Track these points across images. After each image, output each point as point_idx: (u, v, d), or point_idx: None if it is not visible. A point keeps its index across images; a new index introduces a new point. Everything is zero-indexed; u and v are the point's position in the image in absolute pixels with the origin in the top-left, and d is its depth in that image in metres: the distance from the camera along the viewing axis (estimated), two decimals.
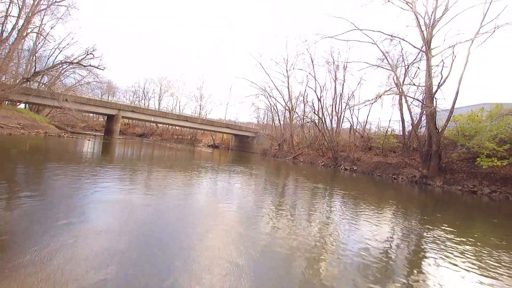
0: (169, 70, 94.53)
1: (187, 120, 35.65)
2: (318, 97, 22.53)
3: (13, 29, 18.88)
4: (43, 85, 23.04)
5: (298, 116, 27.70)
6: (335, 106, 22.12)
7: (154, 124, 51.32)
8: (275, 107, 32.03)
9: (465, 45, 12.34)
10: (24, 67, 23.83)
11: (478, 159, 11.11)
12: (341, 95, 23.34)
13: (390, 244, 3.81)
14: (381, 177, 16.04)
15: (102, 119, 56.88)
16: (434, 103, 12.77)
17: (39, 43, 24.44)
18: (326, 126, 21.45)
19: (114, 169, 7.62)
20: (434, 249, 3.69)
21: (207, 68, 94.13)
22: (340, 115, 22.26)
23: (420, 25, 11.87)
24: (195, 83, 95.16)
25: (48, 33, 22.65)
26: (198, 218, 3.92)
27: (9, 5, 19.08)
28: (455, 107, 12.37)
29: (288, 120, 29.66)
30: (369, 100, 12.19)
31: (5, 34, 18.90)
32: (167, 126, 52.67)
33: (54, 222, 2.91)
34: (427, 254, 3.49)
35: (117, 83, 79.38)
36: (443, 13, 12.54)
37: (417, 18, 11.81)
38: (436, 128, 12.80)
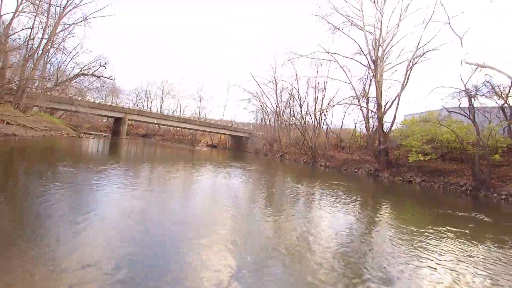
0: (170, 71, 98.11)
1: (186, 122, 38.97)
2: (300, 105, 26.04)
3: (37, 48, 22.21)
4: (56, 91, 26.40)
5: (283, 119, 31.02)
6: (315, 111, 25.48)
7: (156, 125, 54.69)
8: (266, 111, 35.38)
9: (416, 62, 15.57)
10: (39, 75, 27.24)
11: (409, 155, 14.32)
12: (322, 99, 26.71)
13: (345, 210, 7.06)
14: (347, 171, 19.28)
15: (106, 120, 60.45)
16: (382, 110, 16.01)
17: (52, 53, 27.83)
18: (306, 129, 24.73)
19: (143, 161, 10.95)
20: (371, 213, 6.93)
21: (206, 68, 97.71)
22: (320, 119, 25.59)
23: (363, 51, 15.20)
24: (195, 85, 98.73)
25: (60, 43, 26.02)
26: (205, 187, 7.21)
27: (31, 29, 22.40)
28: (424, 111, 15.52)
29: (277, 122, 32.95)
30: (327, 108, 15.44)
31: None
32: (169, 127, 56.00)
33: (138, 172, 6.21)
34: (369, 216, 6.70)
35: (120, 85, 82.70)
36: (390, 42, 15.80)
37: (360, 47, 15.18)
38: (383, 131, 16.03)
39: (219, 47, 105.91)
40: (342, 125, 24.97)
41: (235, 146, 45.10)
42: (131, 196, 4.74)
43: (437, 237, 4.36)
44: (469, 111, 12.20)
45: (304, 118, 25.31)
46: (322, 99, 26.56)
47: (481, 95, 13.12)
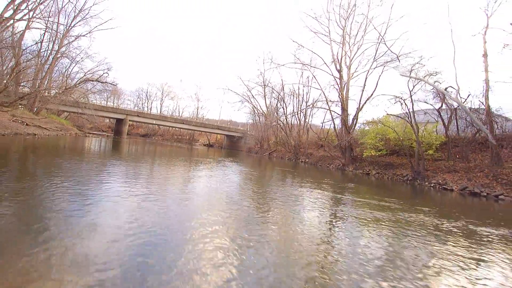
0: (169, 74, 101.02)
1: (183, 123, 41.74)
2: (283, 107, 28.97)
3: (48, 57, 25.05)
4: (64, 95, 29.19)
5: (271, 120, 33.83)
6: (298, 112, 28.19)
7: (155, 125, 57.54)
8: (256, 112, 38.15)
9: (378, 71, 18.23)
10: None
11: (365, 151, 16.98)
12: (306, 102, 29.46)
13: (316, 191, 9.75)
14: (322, 166, 21.98)
15: (107, 121, 63.49)
16: (351, 113, 18.70)
17: (57, 58, 30.61)
18: (290, 130, 27.48)
19: (149, 156, 13.66)
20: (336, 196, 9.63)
21: (204, 71, 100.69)
22: (303, 121, 28.32)
23: (326, 64, 17.92)
24: (193, 87, 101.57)
25: (65, 52, 28.79)
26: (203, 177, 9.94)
27: (41, 42, 25.14)
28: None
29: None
30: (303, 110, 18.10)
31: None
32: (168, 127, 58.84)
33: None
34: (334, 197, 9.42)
35: (121, 87, 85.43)
36: (355, 53, 18.48)
37: (324, 60, 17.88)
38: (348, 131, 18.71)
39: (215, 52, 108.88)
40: (323, 125, 27.64)
41: (230, 145, 47.82)
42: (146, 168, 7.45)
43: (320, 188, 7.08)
44: (409, 114, 14.85)
45: (289, 119, 28.11)
46: (306, 102, 29.30)
47: (421, 101, 15.83)
